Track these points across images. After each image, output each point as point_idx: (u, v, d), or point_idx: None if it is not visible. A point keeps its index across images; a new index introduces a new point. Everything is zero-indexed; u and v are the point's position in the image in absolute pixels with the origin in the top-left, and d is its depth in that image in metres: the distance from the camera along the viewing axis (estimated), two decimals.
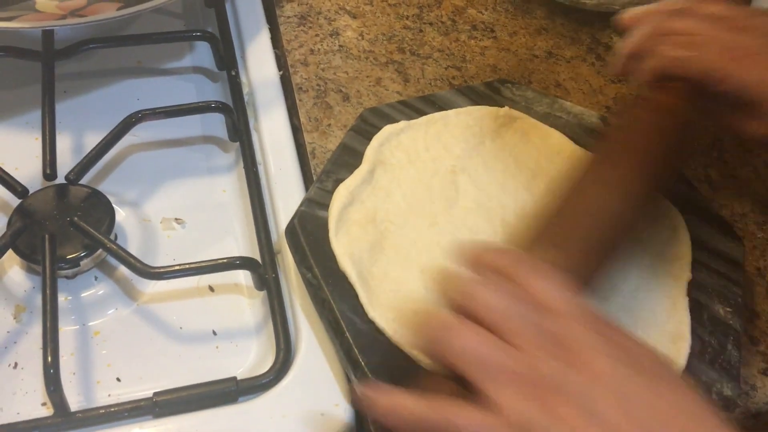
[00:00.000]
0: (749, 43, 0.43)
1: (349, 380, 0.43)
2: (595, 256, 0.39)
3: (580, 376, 0.31)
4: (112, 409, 0.41)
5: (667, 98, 0.45)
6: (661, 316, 0.43)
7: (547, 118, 0.53)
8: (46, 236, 0.45)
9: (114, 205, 0.49)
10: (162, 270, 0.45)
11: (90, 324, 0.46)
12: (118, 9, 0.51)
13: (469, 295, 0.34)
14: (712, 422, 0.31)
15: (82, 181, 0.49)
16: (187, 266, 0.45)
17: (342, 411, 0.42)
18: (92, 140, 0.53)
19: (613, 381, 0.31)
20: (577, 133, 0.52)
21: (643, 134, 0.43)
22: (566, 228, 0.39)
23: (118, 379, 0.44)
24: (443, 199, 0.48)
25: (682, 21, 0.45)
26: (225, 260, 0.46)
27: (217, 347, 0.46)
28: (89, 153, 0.49)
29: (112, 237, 0.48)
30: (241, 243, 0.51)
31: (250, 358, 0.46)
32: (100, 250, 0.47)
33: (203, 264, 0.45)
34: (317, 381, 0.43)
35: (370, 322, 0.42)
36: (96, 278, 0.48)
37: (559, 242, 0.38)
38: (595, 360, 0.31)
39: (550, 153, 0.50)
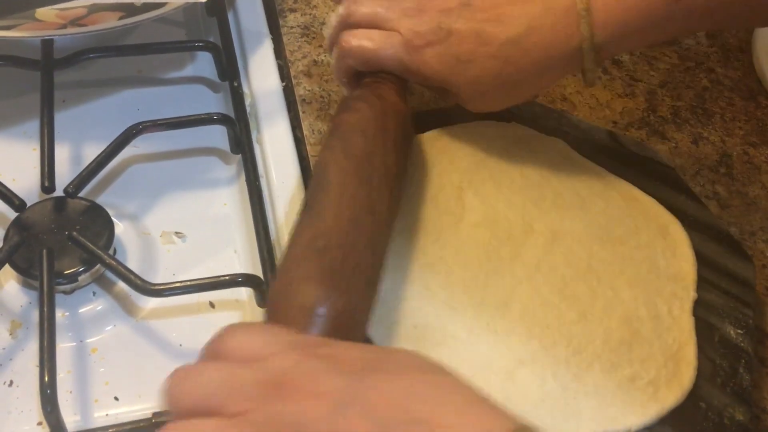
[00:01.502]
0: (425, 28, 0.43)
1: None
2: (360, 285, 0.37)
3: (315, 408, 0.27)
4: (110, 430, 0.40)
5: (379, 97, 0.44)
6: (665, 338, 0.43)
7: (554, 133, 0.52)
8: (44, 251, 0.44)
9: (113, 218, 0.48)
10: (162, 287, 0.44)
11: (87, 341, 0.45)
12: (120, 19, 0.50)
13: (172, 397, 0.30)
14: (464, 391, 0.28)
15: (81, 194, 0.49)
16: (188, 283, 0.44)
17: None
18: (91, 151, 0.52)
19: (345, 393, 0.27)
20: (585, 148, 0.52)
21: (376, 136, 0.42)
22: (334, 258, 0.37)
23: (116, 398, 0.43)
24: (449, 214, 0.47)
25: (365, 7, 0.45)
26: (227, 277, 0.45)
27: None
28: (89, 165, 0.48)
29: (111, 251, 0.47)
30: (242, 257, 0.50)
31: None
32: (98, 265, 0.46)
33: (205, 281, 0.44)
34: None
35: (371, 340, 0.41)
36: (94, 293, 0.47)
37: (320, 279, 0.35)
38: (318, 383, 0.28)
39: (557, 167, 0.50)
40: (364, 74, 0.47)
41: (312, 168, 0.44)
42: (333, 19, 0.48)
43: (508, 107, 0.48)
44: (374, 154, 0.41)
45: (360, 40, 0.45)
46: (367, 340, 0.41)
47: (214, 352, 0.31)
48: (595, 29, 0.41)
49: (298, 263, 0.37)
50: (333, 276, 0.36)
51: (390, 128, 0.43)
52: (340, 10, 0.47)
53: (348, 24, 0.46)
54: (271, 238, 0.49)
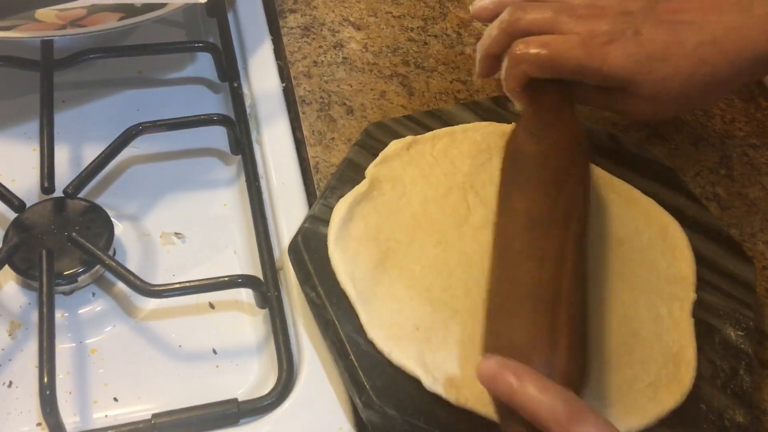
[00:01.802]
0: (605, 28, 0.43)
1: (353, 403, 0.41)
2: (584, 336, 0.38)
3: None
4: (109, 431, 0.40)
5: (554, 112, 0.45)
6: (665, 339, 0.43)
7: None
8: (44, 252, 0.44)
9: (113, 219, 0.48)
10: (162, 288, 0.44)
11: (87, 341, 0.45)
12: (119, 19, 0.50)
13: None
14: None
15: (81, 195, 0.48)
16: (188, 284, 0.44)
17: None
18: (91, 152, 0.52)
19: None
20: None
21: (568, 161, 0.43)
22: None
23: (116, 399, 0.43)
24: (453, 216, 0.47)
25: (533, 13, 0.45)
26: (227, 278, 0.45)
27: (217, 366, 0.45)
28: (88, 166, 0.48)
29: (110, 252, 0.47)
30: (242, 258, 0.50)
31: (251, 378, 0.45)
32: (98, 266, 0.46)
33: (204, 282, 0.44)
34: (320, 403, 0.42)
35: (375, 345, 0.41)
36: (93, 294, 0.47)
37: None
38: None
39: None
40: (535, 84, 0.45)
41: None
42: (489, 32, 0.46)
43: (672, 115, 0.48)
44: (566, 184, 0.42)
45: (535, 45, 0.44)
46: (355, 332, 0.41)
47: None
48: None
49: (531, 314, 0.38)
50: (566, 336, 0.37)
51: (577, 155, 0.44)
52: (503, 17, 0.45)
53: (515, 31, 0.45)
54: (271, 239, 0.49)
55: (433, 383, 0.39)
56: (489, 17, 0.47)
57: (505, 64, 0.46)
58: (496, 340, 0.38)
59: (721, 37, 0.42)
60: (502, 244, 0.41)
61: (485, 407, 0.39)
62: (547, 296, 0.38)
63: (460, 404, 0.39)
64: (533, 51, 0.44)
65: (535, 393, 0.33)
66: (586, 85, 0.45)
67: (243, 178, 0.52)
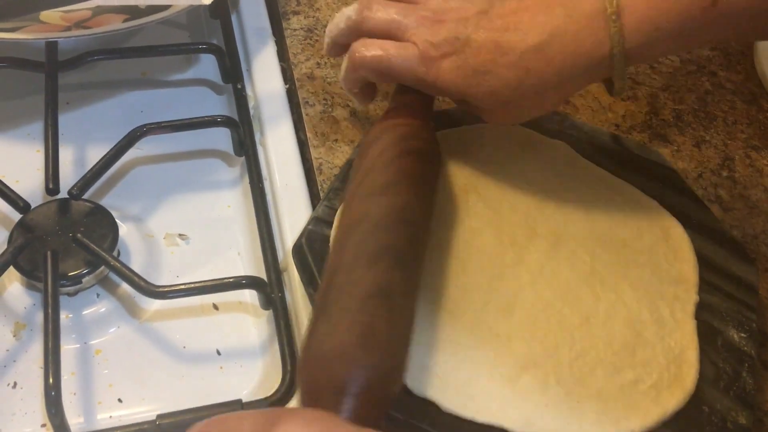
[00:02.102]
0: (441, 38, 0.41)
1: None
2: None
3: None
4: None
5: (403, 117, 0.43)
6: (667, 340, 0.43)
7: (557, 135, 0.52)
8: (48, 253, 0.44)
9: (117, 221, 0.48)
10: (166, 289, 0.44)
11: (91, 342, 0.45)
12: (124, 21, 0.50)
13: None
14: None
15: (85, 196, 0.49)
16: (192, 285, 0.44)
17: None
18: (94, 153, 0.52)
19: None
20: (588, 151, 0.52)
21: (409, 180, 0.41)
22: None
23: (120, 400, 0.43)
24: (449, 218, 0.47)
25: (379, 13, 0.43)
26: (231, 279, 0.45)
27: (221, 367, 0.45)
28: (93, 167, 0.49)
29: (115, 253, 0.47)
30: (246, 259, 0.50)
31: (256, 379, 0.45)
32: (102, 267, 0.46)
33: (208, 283, 0.45)
34: None
35: None
36: (98, 295, 0.47)
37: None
38: None
39: (560, 170, 0.50)
40: (374, 84, 0.45)
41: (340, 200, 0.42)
42: (338, 22, 0.46)
43: (526, 119, 0.46)
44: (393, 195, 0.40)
45: (374, 50, 0.43)
46: None
47: None
48: (626, 35, 0.39)
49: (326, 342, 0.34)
50: (363, 352, 0.33)
51: (417, 173, 0.41)
52: (351, 14, 0.45)
53: (360, 31, 0.44)
54: (275, 240, 0.49)
55: (423, 388, 0.39)
56: (343, 44, 0.47)
57: (344, 63, 0.45)
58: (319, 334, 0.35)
59: (545, 42, 0.40)
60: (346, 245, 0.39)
61: (475, 412, 0.39)
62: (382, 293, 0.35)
63: (450, 410, 0.39)
64: (370, 58, 0.43)
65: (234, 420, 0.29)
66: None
67: (246, 179, 0.53)
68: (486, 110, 0.44)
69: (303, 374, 0.33)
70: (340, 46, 0.47)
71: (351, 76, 0.46)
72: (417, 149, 0.42)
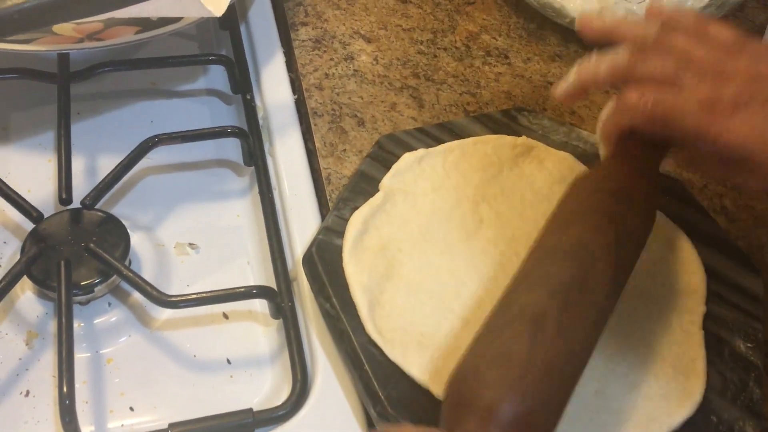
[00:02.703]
0: (731, 93, 0.38)
1: (367, 414, 0.42)
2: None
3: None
4: None
5: (636, 167, 0.41)
6: (675, 351, 0.43)
7: (564, 147, 0.53)
8: (62, 262, 0.45)
9: (128, 230, 0.49)
10: (178, 299, 0.44)
11: (103, 351, 0.46)
12: (136, 33, 0.51)
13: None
14: None
15: (97, 206, 0.49)
16: (204, 295, 0.45)
17: None
18: (105, 163, 0.53)
19: None
20: (594, 162, 0.52)
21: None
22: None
23: (132, 409, 0.44)
24: (462, 228, 0.47)
25: (653, 62, 0.40)
26: (242, 289, 0.45)
27: (231, 376, 0.46)
28: (105, 178, 0.49)
29: (126, 263, 0.47)
30: (255, 269, 0.51)
31: (265, 388, 0.45)
32: (114, 276, 0.46)
33: (220, 293, 0.45)
34: (334, 414, 0.43)
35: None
36: (109, 304, 0.47)
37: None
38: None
39: (564, 178, 0.50)
40: (627, 138, 0.42)
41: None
42: (595, 65, 0.42)
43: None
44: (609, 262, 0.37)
45: (651, 98, 0.39)
46: (370, 342, 0.41)
47: None
48: None
49: (491, 355, 0.34)
50: (526, 382, 0.33)
51: (632, 233, 0.39)
52: (617, 59, 0.41)
53: (629, 77, 0.41)
54: (284, 250, 0.50)
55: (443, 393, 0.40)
56: (593, 38, 0.43)
57: (609, 107, 0.42)
58: (467, 353, 0.36)
59: None
60: (518, 273, 0.39)
61: None
62: (529, 319, 0.35)
63: None
64: (648, 105, 0.39)
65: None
66: (699, 149, 0.41)
67: (256, 189, 0.53)
68: None
69: (451, 388, 0.34)
70: (588, 87, 0.44)
71: (616, 119, 0.42)
72: (617, 190, 0.40)
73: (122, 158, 0.50)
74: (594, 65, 0.43)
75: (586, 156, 0.53)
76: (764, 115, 0.38)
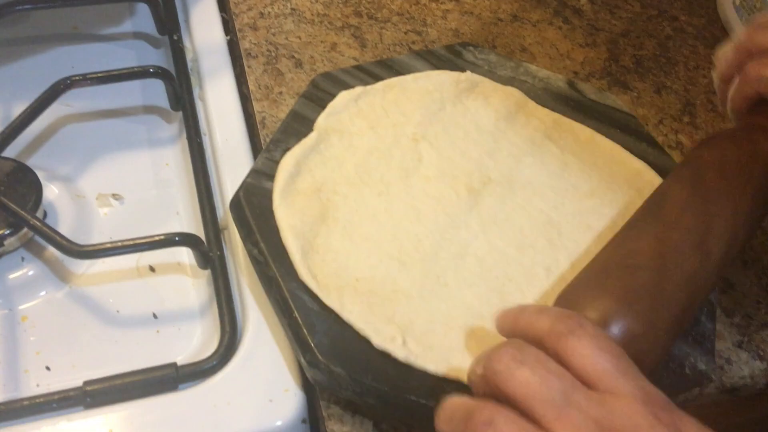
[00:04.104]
0: None
1: (300, 363, 0.39)
2: (665, 319, 0.34)
3: None
4: (38, 401, 0.38)
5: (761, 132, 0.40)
6: None
7: (511, 82, 0.50)
8: None
9: (44, 181, 0.45)
10: (92, 248, 0.41)
11: (17, 308, 0.42)
12: None
13: (501, 376, 0.29)
14: None
15: (7, 154, 0.45)
16: (120, 244, 0.41)
17: (292, 396, 0.39)
18: (20, 110, 0.49)
19: None
20: (543, 97, 0.50)
21: (735, 177, 0.38)
22: (634, 281, 0.34)
23: (48, 368, 0.41)
24: (400, 168, 0.44)
25: None
26: (162, 237, 0.42)
27: (157, 331, 0.43)
28: (12, 122, 0.45)
29: (39, 214, 0.44)
30: (185, 219, 0.47)
31: (194, 342, 0.42)
32: (25, 229, 0.43)
33: (138, 241, 0.42)
34: (266, 365, 0.40)
35: (320, 301, 0.39)
36: (23, 259, 0.44)
37: (622, 295, 0.33)
38: None
39: (510, 114, 0.48)
40: (754, 111, 0.41)
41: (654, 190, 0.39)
42: (725, 53, 0.43)
43: None
44: (727, 198, 0.37)
45: None
46: (300, 289, 0.39)
47: (554, 336, 0.29)
48: None
49: (600, 275, 0.34)
50: (637, 297, 0.33)
51: (755, 176, 0.38)
52: (740, 37, 0.42)
53: (751, 49, 0.41)
54: (215, 198, 0.47)
55: (381, 340, 0.37)
56: (731, 68, 0.43)
57: (735, 82, 0.42)
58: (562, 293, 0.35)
59: None
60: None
61: (435, 363, 0.37)
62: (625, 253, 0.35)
63: (409, 361, 0.37)
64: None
65: (534, 312, 0.31)
66: None
67: (185, 135, 0.50)
68: None
69: (563, 300, 0.34)
70: (728, 83, 0.43)
71: (743, 91, 0.41)
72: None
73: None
74: (722, 57, 0.43)
75: (534, 91, 0.50)
76: None
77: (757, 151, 0.39)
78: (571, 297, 0.34)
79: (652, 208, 0.38)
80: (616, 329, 0.32)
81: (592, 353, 0.28)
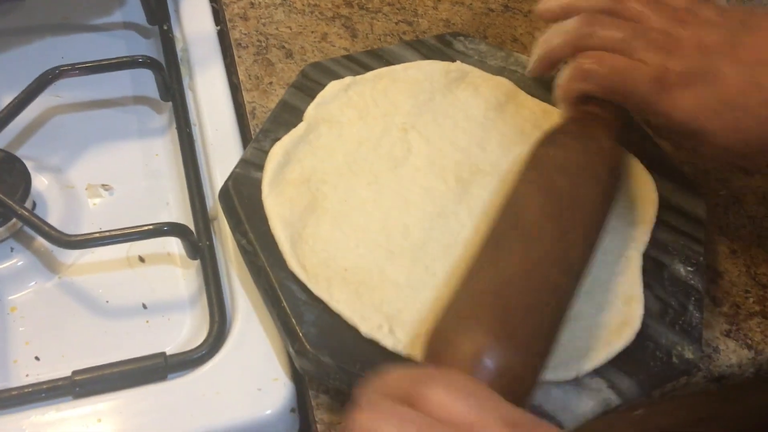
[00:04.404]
0: (680, 66, 0.38)
1: (288, 353, 0.39)
2: (538, 341, 0.33)
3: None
4: (26, 390, 0.38)
5: (598, 124, 0.40)
6: (616, 278, 0.41)
7: (501, 72, 0.50)
8: None
9: (33, 171, 0.45)
10: (81, 238, 0.41)
11: (6, 299, 0.42)
12: None
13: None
14: None
15: None
16: (109, 234, 0.41)
17: (281, 385, 0.39)
18: (8, 101, 0.49)
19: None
20: (533, 87, 0.49)
21: (585, 180, 0.38)
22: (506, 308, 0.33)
23: (37, 358, 0.41)
24: (390, 158, 0.44)
25: (606, 30, 0.40)
26: (151, 226, 0.42)
27: (147, 322, 0.43)
28: (0, 112, 0.45)
29: (28, 205, 0.44)
30: (176, 209, 0.47)
31: (184, 332, 0.43)
32: (14, 220, 0.43)
33: (127, 231, 0.42)
34: (255, 355, 0.40)
35: (309, 290, 0.39)
36: (12, 249, 0.44)
37: (495, 325, 0.32)
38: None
39: (500, 104, 0.47)
40: (585, 100, 0.41)
41: (506, 198, 0.38)
42: (552, 37, 0.42)
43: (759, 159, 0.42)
44: (579, 204, 0.37)
45: (605, 65, 0.39)
46: (289, 278, 0.39)
47: (407, 396, 0.28)
48: None
49: (471, 303, 0.33)
50: (509, 325, 0.32)
51: (602, 177, 0.38)
52: (572, 26, 0.41)
53: (582, 46, 0.41)
54: (205, 188, 0.46)
55: (369, 328, 0.37)
56: (553, 20, 0.43)
57: (565, 72, 0.42)
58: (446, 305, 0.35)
59: None
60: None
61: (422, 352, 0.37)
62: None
63: (397, 350, 0.37)
64: (601, 71, 0.39)
65: (396, 377, 0.30)
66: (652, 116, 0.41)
67: (175, 126, 0.50)
68: (721, 148, 0.39)
69: (435, 332, 0.33)
70: (552, 62, 0.43)
71: (573, 86, 0.41)
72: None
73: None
74: (551, 36, 0.42)
75: (524, 81, 0.50)
76: (710, 88, 0.38)
77: (601, 148, 0.39)
78: (444, 331, 0.33)
79: (511, 219, 0.36)
80: (489, 362, 0.31)
81: (446, 397, 0.28)
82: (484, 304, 0.33)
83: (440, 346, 0.32)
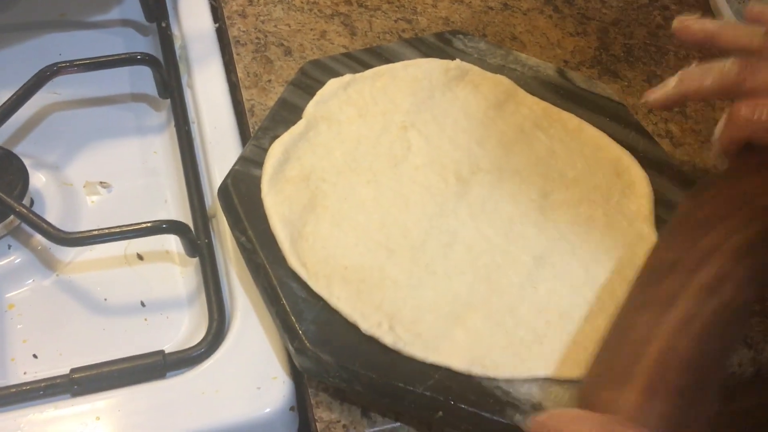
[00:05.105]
0: None
1: (288, 350, 0.39)
2: (687, 400, 0.33)
3: None
4: (24, 388, 0.37)
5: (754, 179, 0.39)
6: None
7: (501, 71, 0.50)
8: None
9: (31, 169, 0.45)
10: (79, 235, 0.41)
11: (4, 296, 0.42)
12: None
13: None
14: None
15: None
16: (107, 231, 0.41)
17: (280, 383, 0.39)
18: (6, 97, 0.48)
19: None
20: (533, 86, 0.49)
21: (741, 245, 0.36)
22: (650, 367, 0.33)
23: (35, 356, 0.41)
24: (389, 156, 0.44)
25: (763, 72, 0.38)
26: (150, 224, 0.42)
27: (145, 320, 0.42)
28: None
29: (25, 202, 0.43)
30: (174, 208, 0.47)
31: (182, 330, 0.42)
32: (12, 217, 0.42)
33: (125, 228, 0.42)
34: (254, 353, 0.40)
35: (309, 288, 0.38)
36: (10, 246, 0.44)
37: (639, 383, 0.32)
38: None
39: (500, 103, 0.47)
40: (746, 150, 0.39)
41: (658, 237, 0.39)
42: (702, 76, 0.40)
43: None
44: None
45: (765, 109, 0.37)
46: (288, 276, 0.39)
47: None
48: None
49: (626, 363, 0.33)
50: (666, 382, 0.32)
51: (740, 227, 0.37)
52: (727, 71, 0.39)
53: (737, 91, 0.39)
54: (203, 186, 0.46)
55: (369, 326, 0.37)
56: (692, 42, 0.41)
57: (723, 121, 0.40)
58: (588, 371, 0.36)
59: None
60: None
61: (423, 350, 0.37)
62: (635, 338, 0.34)
63: (397, 347, 0.37)
64: (762, 117, 0.37)
65: (574, 419, 0.31)
66: None
67: (174, 123, 0.49)
68: None
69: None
70: (683, 99, 0.42)
71: (732, 134, 0.39)
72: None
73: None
74: (700, 75, 0.40)
75: (523, 80, 0.50)
76: None
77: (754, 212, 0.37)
78: (599, 391, 0.34)
79: (672, 268, 0.36)
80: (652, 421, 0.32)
81: None
82: (640, 361, 0.33)
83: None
